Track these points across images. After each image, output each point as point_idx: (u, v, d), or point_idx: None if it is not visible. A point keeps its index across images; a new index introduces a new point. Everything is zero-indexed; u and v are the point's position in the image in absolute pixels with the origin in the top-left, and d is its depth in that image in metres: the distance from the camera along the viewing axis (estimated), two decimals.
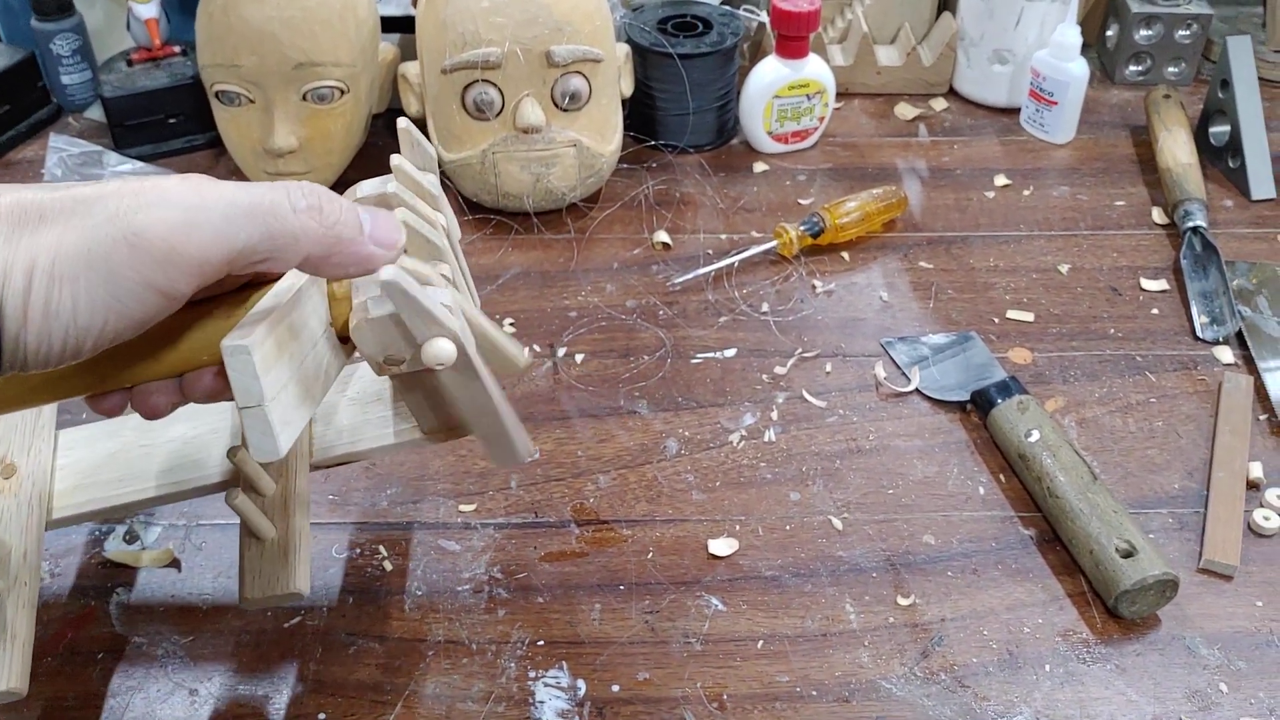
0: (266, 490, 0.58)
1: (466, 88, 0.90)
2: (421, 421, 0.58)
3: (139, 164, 0.98)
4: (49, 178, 0.97)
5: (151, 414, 0.46)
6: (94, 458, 0.61)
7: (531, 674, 0.62)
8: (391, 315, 0.43)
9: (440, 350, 0.44)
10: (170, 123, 1.03)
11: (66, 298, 0.37)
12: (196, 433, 0.61)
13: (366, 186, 0.49)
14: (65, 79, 1.07)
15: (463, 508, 0.71)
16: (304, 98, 0.92)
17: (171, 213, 0.38)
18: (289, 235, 0.41)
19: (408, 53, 1.00)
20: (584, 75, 0.91)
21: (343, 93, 0.93)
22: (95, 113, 1.08)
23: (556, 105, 0.91)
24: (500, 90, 0.90)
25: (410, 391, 0.54)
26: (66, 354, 0.39)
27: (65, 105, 1.09)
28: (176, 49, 1.04)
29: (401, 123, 0.48)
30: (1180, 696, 0.61)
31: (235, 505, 0.55)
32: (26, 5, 1.05)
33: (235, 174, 1.00)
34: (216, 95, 0.94)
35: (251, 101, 0.92)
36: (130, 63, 1.04)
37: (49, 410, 0.61)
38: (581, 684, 0.61)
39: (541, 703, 0.61)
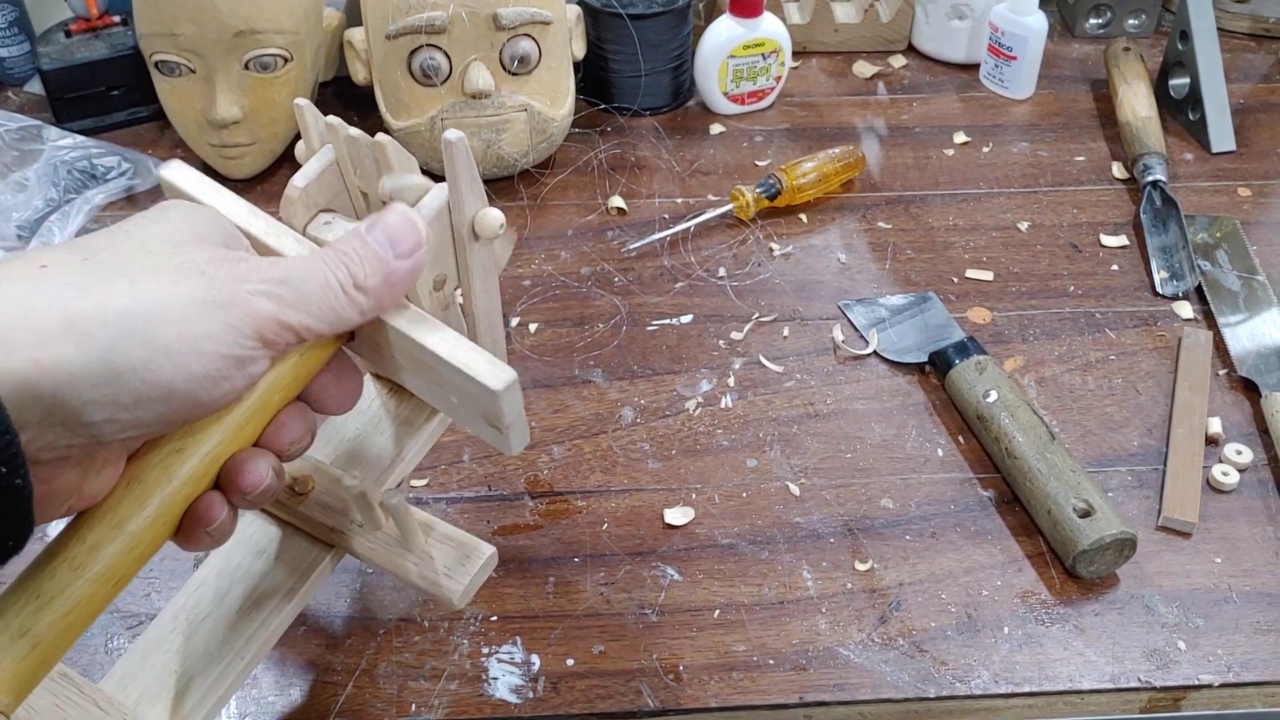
0: (381, 522, 0.54)
1: (412, 53, 0.88)
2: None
3: (80, 138, 0.96)
4: None
5: (254, 486, 0.42)
6: (155, 672, 0.51)
7: (485, 650, 0.61)
8: (439, 215, 0.45)
9: (494, 216, 0.47)
10: (112, 95, 1.00)
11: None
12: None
13: (309, 171, 0.47)
14: (2, 52, 1.04)
15: (415, 483, 0.70)
16: (246, 66, 0.89)
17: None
18: (349, 321, 0.41)
19: (354, 18, 0.98)
20: (533, 38, 0.89)
21: (286, 60, 0.91)
22: (35, 86, 1.06)
23: (505, 69, 0.89)
24: (447, 55, 0.88)
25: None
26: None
27: (3, 79, 1.06)
28: (116, 19, 1.01)
29: (380, 137, 0.47)
30: (1139, 655, 0.60)
31: (396, 508, 0.51)
32: None
33: (179, 146, 0.97)
34: (156, 65, 0.91)
35: (192, 71, 0.90)
36: (69, 34, 1.01)
37: None
38: (536, 659, 0.60)
39: (495, 679, 0.60)
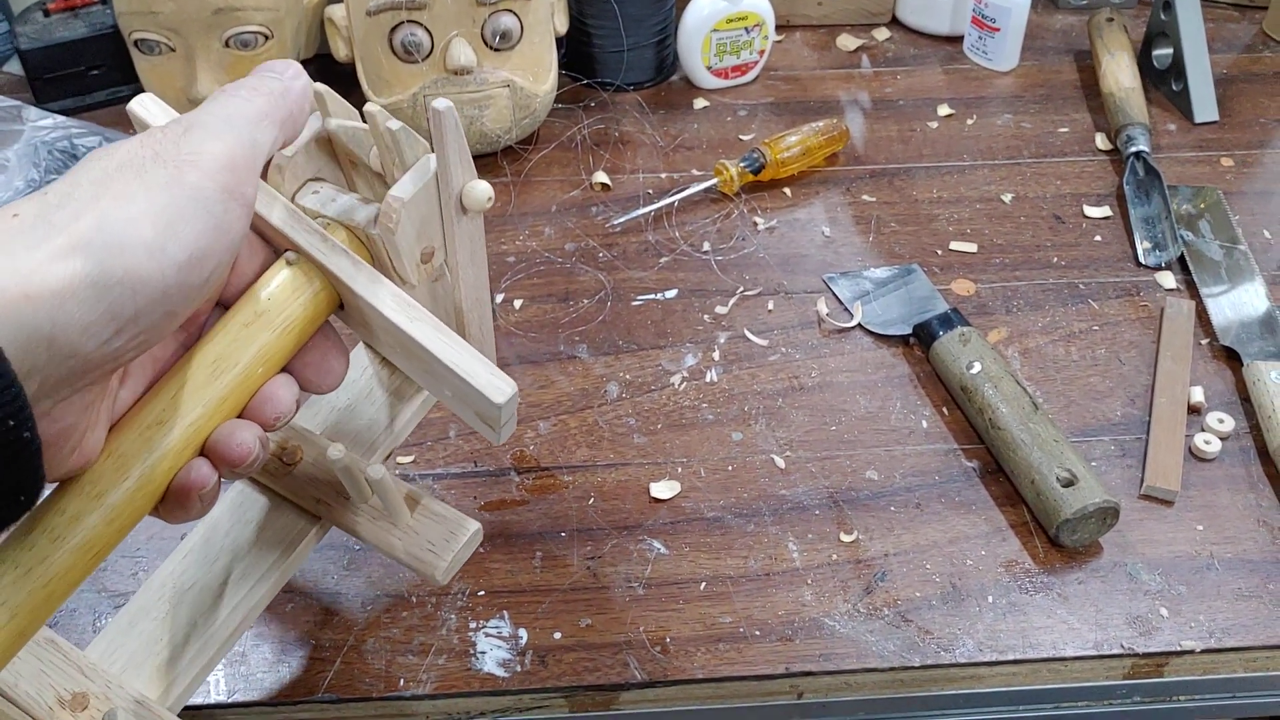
0: (367, 495, 0.53)
1: (393, 29, 0.88)
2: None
3: (60, 118, 0.95)
4: None
5: (240, 458, 0.42)
6: (141, 640, 0.51)
7: (472, 625, 0.61)
8: (426, 187, 0.45)
9: (482, 189, 0.47)
10: (92, 74, 1.00)
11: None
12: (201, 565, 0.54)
13: (297, 141, 0.47)
14: None
15: (401, 459, 0.70)
16: (226, 44, 0.89)
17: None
18: (269, 117, 0.42)
19: None
20: (514, 13, 0.89)
21: (267, 38, 0.90)
22: (14, 67, 1.05)
23: (487, 45, 0.89)
24: (429, 31, 0.87)
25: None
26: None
27: None
28: None
29: (319, 86, 0.47)
30: (1121, 622, 0.61)
31: (379, 483, 0.50)
32: None
33: None
34: (136, 44, 0.91)
35: (172, 50, 0.89)
36: (47, 13, 1.00)
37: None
38: (523, 633, 0.61)
39: (483, 653, 0.60)
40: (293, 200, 0.48)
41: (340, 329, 0.49)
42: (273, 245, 0.46)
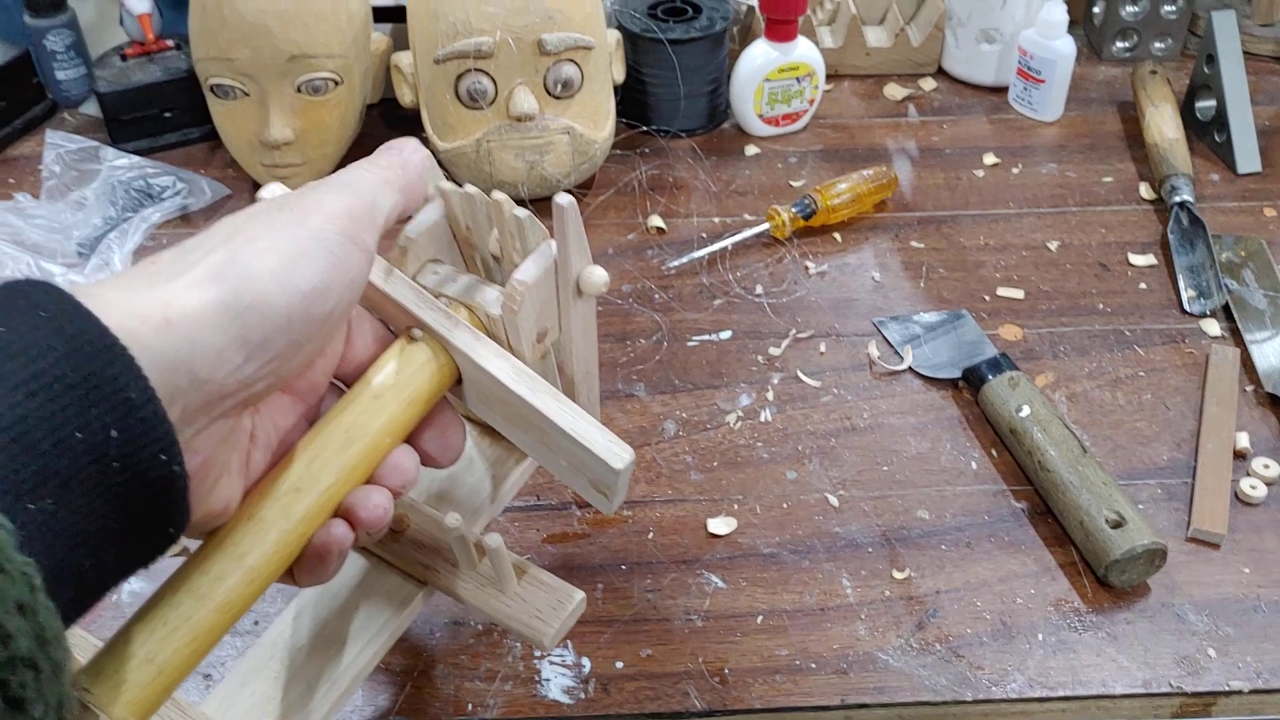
0: (475, 562, 0.54)
1: (459, 77, 0.91)
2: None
3: (136, 158, 0.99)
4: (46, 174, 0.98)
5: (376, 520, 0.44)
6: (254, 699, 0.52)
7: (537, 653, 0.63)
8: (546, 271, 0.48)
9: (599, 275, 0.48)
10: (165, 116, 1.04)
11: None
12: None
13: (420, 222, 0.50)
14: (60, 75, 1.08)
15: None
16: (298, 89, 0.93)
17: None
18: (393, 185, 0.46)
19: (400, 42, 1.01)
20: (576, 63, 0.92)
21: (336, 84, 0.94)
22: (91, 108, 1.09)
23: (549, 93, 0.92)
24: (493, 79, 0.91)
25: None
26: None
27: (60, 101, 1.10)
28: (170, 43, 1.05)
29: (496, 195, 0.49)
30: (1170, 662, 0.62)
31: (495, 551, 0.51)
32: (20, 2, 1.06)
33: (231, 166, 1.01)
34: (212, 89, 0.94)
35: (246, 94, 0.93)
36: (124, 57, 1.04)
37: None
38: (586, 661, 0.63)
39: (547, 680, 0.62)
40: (414, 279, 0.50)
41: None
42: (390, 325, 0.49)
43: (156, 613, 0.40)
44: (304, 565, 0.44)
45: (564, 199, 0.46)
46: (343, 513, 0.44)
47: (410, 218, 0.50)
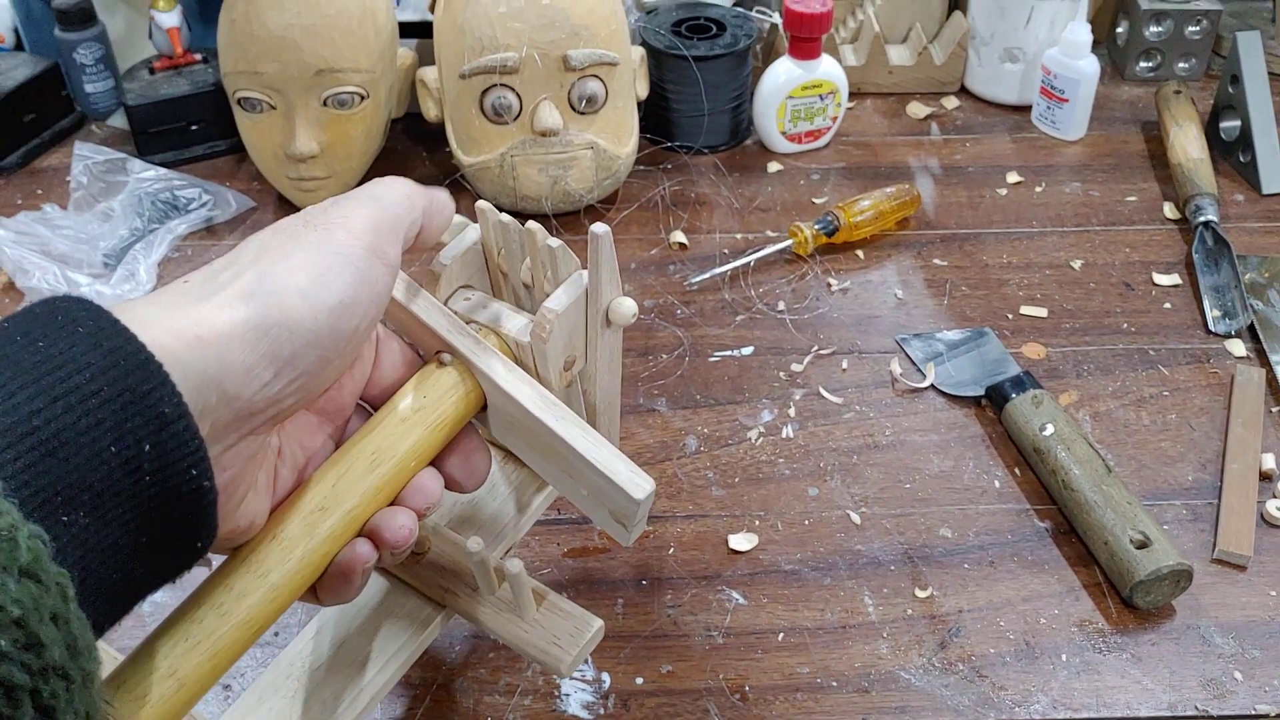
0: (495, 587, 0.54)
1: (485, 92, 0.91)
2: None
3: (162, 170, 1.00)
4: (74, 185, 0.98)
5: (401, 541, 0.44)
6: (271, 716, 0.52)
7: None
8: (577, 301, 0.48)
9: (628, 306, 0.49)
10: (192, 129, 1.05)
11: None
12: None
13: (454, 249, 0.51)
14: (89, 87, 1.09)
15: None
16: (324, 103, 0.93)
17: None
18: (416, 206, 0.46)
19: (426, 57, 1.01)
20: (600, 79, 0.92)
21: (363, 98, 0.94)
22: (119, 120, 1.10)
23: (573, 108, 0.93)
24: (518, 94, 0.91)
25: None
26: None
27: (89, 113, 1.11)
28: (198, 57, 1.06)
29: (530, 225, 0.50)
30: (1195, 685, 0.62)
31: (516, 577, 0.51)
32: (50, 15, 1.07)
33: (256, 179, 1.01)
34: (239, 102, 0.95)
35: (273, 108, 0.94)
36: (152, 71, 1.05)
37: None
38: (606, 677, 0.63)
39: (567, 695, 0.62)
40: (445, 304, 0.51)
41: None
42: (419, 348, 0.50)
43: (179, 627, 0.40)
44: (327, 584, 0.44)
45: (600, 228, 0.46)
46: (367, 533, 0.44)
47: (443, 244, 0.51)
